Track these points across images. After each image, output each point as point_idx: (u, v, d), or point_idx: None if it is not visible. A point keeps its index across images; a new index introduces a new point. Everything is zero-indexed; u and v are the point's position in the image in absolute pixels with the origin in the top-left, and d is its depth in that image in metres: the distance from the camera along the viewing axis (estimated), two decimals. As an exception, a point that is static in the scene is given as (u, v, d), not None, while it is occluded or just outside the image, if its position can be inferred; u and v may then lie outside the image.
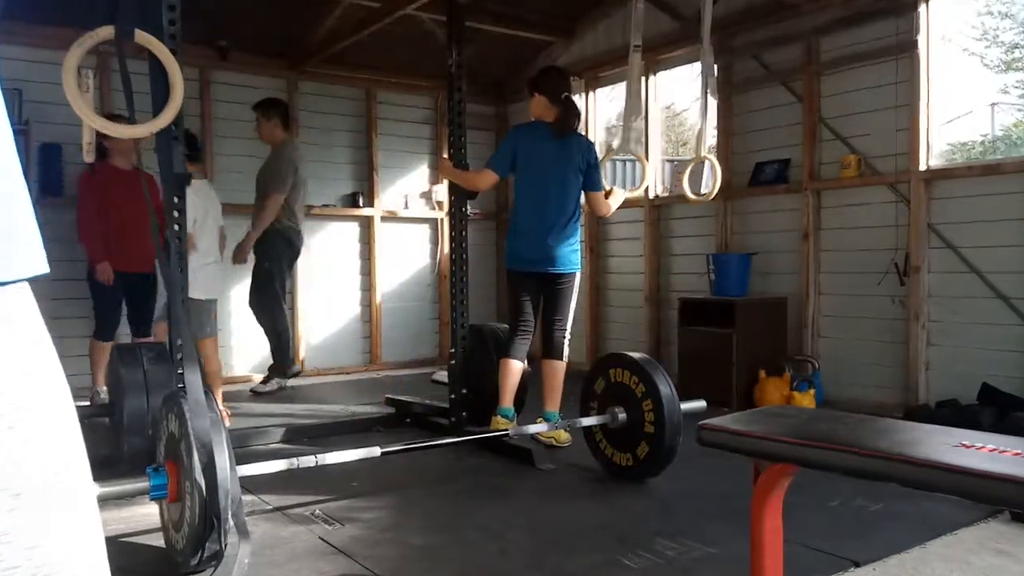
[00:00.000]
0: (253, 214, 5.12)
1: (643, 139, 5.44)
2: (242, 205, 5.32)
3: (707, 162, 4.06)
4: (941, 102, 4.34)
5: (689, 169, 4.14)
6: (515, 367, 3.63)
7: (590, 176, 3.66)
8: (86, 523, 0.61)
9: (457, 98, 3.85)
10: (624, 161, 9.48)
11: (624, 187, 4.84)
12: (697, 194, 4.29)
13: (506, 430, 3.33)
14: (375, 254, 6.45)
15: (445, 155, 4.61)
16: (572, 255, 3.64)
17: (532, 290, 3.66)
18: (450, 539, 2.54)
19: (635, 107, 3.97)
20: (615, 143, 4.18)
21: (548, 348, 3.66)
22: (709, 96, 3.86)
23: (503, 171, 3.65)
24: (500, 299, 7.25)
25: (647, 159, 4.73)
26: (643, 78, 4.03)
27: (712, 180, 4.06)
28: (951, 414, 3.87)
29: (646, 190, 5.32)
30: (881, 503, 2.78)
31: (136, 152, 4.62)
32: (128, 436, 2.95)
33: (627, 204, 6.12)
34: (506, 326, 3.92)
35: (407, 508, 2.90)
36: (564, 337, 3.66)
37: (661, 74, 5.84)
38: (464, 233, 3.92)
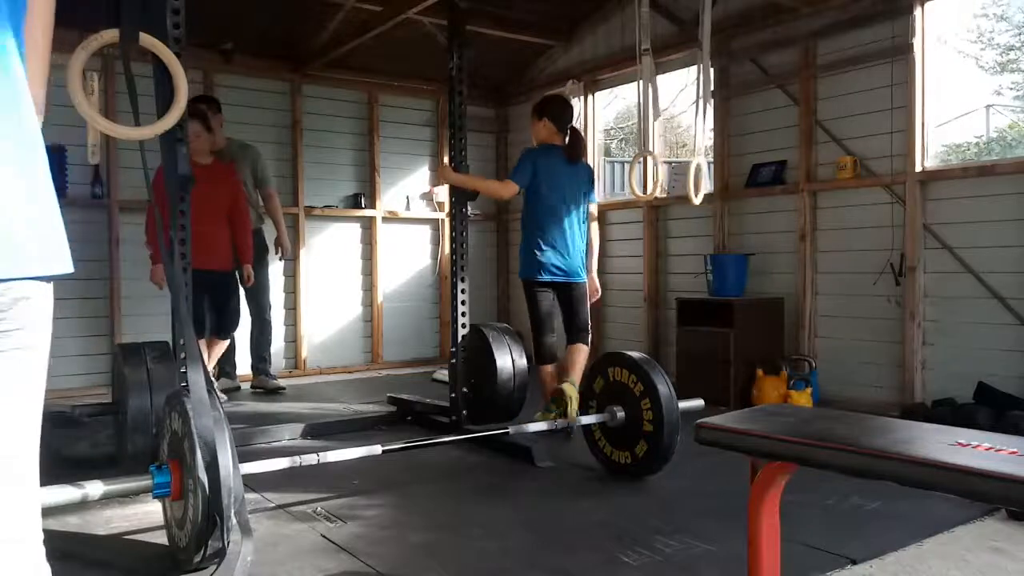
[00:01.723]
0: (269, 208, 5.26)
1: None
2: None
3: (696, 164, 4.14)
4: (936, 104, 4.37)
5: (692, 170, 4.22)
6: (552, 370, 3.97)
7: (588, 194, 4.07)
8: (28, 500, 0.91)
9: (458, 101, 3.88)
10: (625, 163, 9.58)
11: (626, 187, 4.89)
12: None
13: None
14: (376, 254, 6.48)
15: (446, 159, 4.65)
16: (583, 265, 4.03)
17: (553, 298, 3.99)
18: (451, 536, 2.57)
19: (652, 109, 4.06)
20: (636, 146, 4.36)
21: (577, 335, 4.03)
22: (704, 99, 3.91)
23: (524, 184, 3.89)
24: (500, 299, 7.28)
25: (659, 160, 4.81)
26: (652, 80, 4.08)
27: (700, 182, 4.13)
28: (947, 413, 3.90)
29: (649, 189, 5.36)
30: (878, 501, 2.80)
31: (213, 143, 4.55)
32: (132, 434, 2.97)
33: (626, 205, 6.19)
34: (506, 325, 4.23)
35: (408, 506, 2.93)
36: (588, 335, 4.04)
37: (660, 77, 5.86)
38: (464, 234, 3.95)
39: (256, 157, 5.25)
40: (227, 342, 4.72)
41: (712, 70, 5.31)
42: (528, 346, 4.09)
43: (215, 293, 4.45)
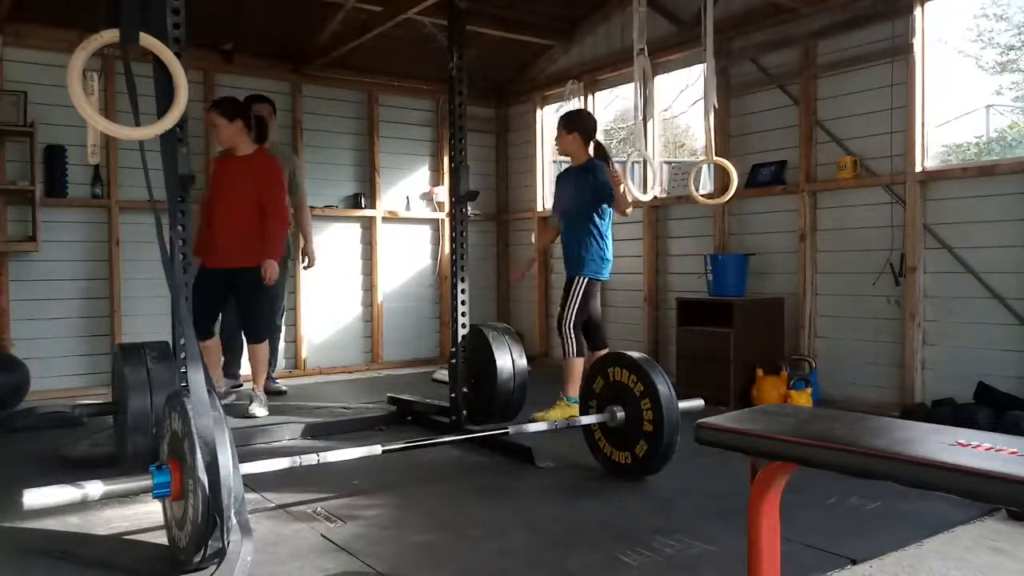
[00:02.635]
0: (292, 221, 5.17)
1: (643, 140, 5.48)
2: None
3: (714, 164, 4.16)
4: (936, 104, 4.37)
5: (695, 171, 4.29)
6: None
7: None
8: None
9: (458, 101, 3.87)
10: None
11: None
12: (707, 196, 4.38)
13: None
14: (377, 254, 6.48)
15: (445, 160, 4.69)
16: None
17: None
18: (451, 537, 2.57)
19: (646, 109, 4.07)
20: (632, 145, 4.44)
21: (605, 340, 4.45)
22: (709, 100, 3.91)
23: None
24: (500, 299, 7.28)
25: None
26: (650, 80, 4.07)
27: (727, 182, 4.18)
28: (947, 413, 3.90)
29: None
30: (878, 501, 2.80)
31: (254, 134, 4.34)
32: (132, 435, 2.96)
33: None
34: (506, 325, 4.27)
35: (408, 506, 2.93)
36: None
37: (659, 77, 5.87)
38: (464, 234, 3.94)
39: (294, 167, 5.21)
40: (264, 346, 4.48)
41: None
42: (529, 346, 4.10)
43: (238, 293, 4.31)
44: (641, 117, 4.02)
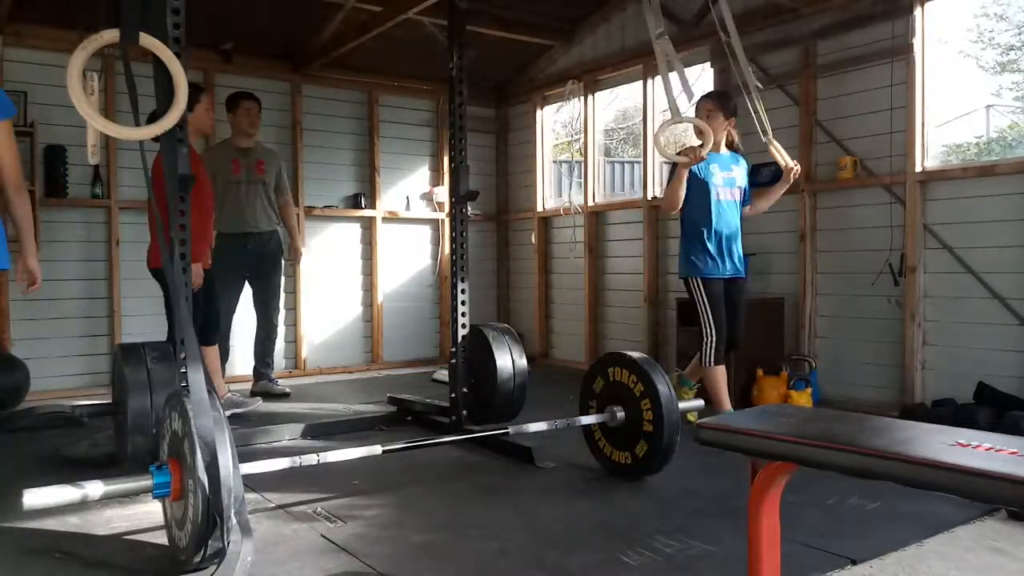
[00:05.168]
0: (286, 215, 5.28)
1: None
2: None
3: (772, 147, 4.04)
4: (936, 104, 4.37)
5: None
6: None
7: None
8: None
9: (458, 101, 3.87)
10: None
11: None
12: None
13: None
14: (377, 254, 6.48)
15: (442, 162, 4.60)
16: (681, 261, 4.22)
17: None
18: (450, 537, 2.57)
19: (684, 94, 3.82)
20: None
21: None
22: (750, 86, 3.84)
23: None
24: (500, 299, 7.28)
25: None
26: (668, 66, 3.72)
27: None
28: (947, 413, 3.89)
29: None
30: (878, 501, 2.80)
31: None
32: (132, 435, 2.96)
33: (625, 205, 6.20)
34: (506, 325, 4.24)
35: (408, 506, 2.93)
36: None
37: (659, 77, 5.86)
38: (464, 234, 3.94)
39: (281, 164, 5.28)
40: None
41: (712, 70, 5.32)
42: (529, 346, 4.07)
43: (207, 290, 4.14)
44: (674, 107, 3.67)
